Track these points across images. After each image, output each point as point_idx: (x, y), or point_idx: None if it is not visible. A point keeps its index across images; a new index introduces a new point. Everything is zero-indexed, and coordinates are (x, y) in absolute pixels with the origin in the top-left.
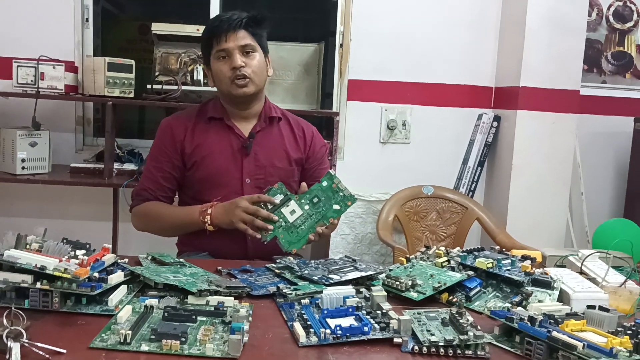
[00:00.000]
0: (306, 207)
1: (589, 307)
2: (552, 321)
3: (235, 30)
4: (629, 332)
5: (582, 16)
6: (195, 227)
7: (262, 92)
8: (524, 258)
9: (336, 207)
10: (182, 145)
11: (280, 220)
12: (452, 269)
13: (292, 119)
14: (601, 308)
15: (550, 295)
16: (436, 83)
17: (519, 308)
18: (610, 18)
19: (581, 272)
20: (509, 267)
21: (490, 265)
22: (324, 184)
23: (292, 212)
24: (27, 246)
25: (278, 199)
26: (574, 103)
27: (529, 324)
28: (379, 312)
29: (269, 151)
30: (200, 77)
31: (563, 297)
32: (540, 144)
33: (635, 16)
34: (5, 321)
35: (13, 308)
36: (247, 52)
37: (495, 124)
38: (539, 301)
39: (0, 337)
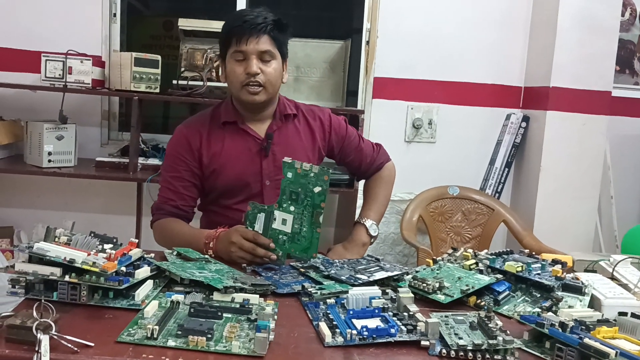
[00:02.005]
0: (291, 208)
1: (621, 314)
2: (583, 327)
3: (257, 34)
4: None
5: (615, 16)
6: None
7: (275, 97)
8: (555, 262)
9: (317, 189)
10: (199, 153)
11: (280, 236)
12: (480, 271)
13: (306, 111)
14: (633, 315)
15: (581, 301)
16: (463, 82)
17: (549, 313)
18: None
19: (612, 278)
20: (539, 271)
21: (519, 268)
22: (289, 175)
23: (284, 221)
24: (56, 239)
25: (260, 219)
26: (605, 104)
27: (560, 330)
28: (405, 314)
29: (287, 150)
30: None
31: (594, 303)
32: (570, 145)
33: None
34: (35, 313)
35: (43, 300)
36: (265, 59)
37: (524, 124)
38: (570, 307)
39: (30, 328)
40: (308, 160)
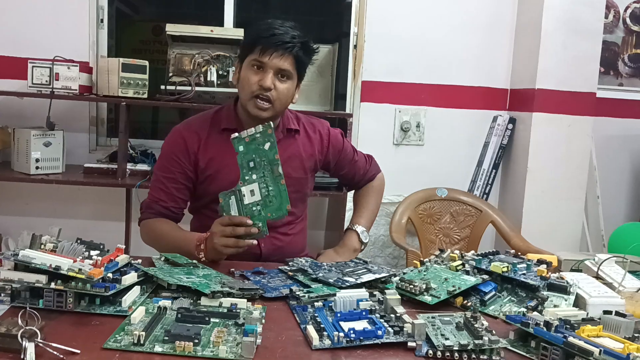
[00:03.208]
0: (254, 176)
1: (606, 312)
2: (568, 326)
3: (283, 52)
4: None
5: (599, 18)
6: (194, 258)
7: (281, 114)
8: (540, 262)
9: (267, 145)
10: (195, 157)
11: (254, 208)
12: (467, 272)
13: (307, 123)
14: (618, 313)
15: (566, 300)
16: (451, 85)
17: (535, 313)
18: (627, 20)
19: (597, 277)
20: (525, 271)
21: (505, 269)
22: (240, 148)
23: (252, 192)
24: (42, 246)
25: (233, 204)
26: (591, 106)
27: (545, 329)
28: (392, 315)
29: (285, 162)
30: (214, 78)
31: (579, 302)
32: (556, 146)
33: None
34: (20, 321)
35: (28, 308)
36: (281, 76)
37: (510, 126)
38: (555, 306)
39: (15, 336)
40: (304, 171)
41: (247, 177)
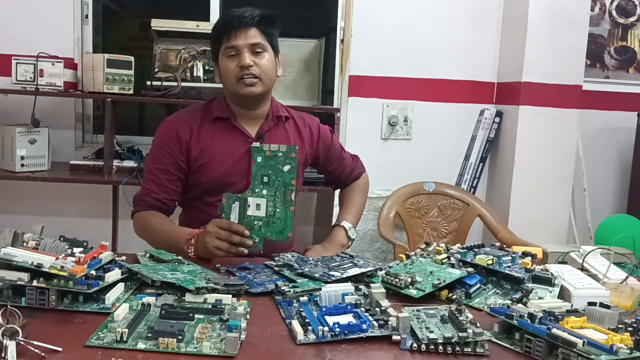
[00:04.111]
0: (264, 192)
1: (590, 303)
2: (552, 318)
3: (246, 28)
4: (629, 329)
5: (585, 11)
6: (183, 253)
7: (270, 92)
8: (525, 254)
9: (286, 167)
10: (188, 147)
11: (256, 222)
12: (452, 265)
13: (297, 116)
14: (602, 305)
15: (550, 292)
16: (438, 79)
17: (519, 305)
18: (613, 12)
19: (582, 269)
20: (509, 264)
21: (490, 262)
22: (259, 159)
23: (258, 206)
24: (24, 244)
25: (235, 209)
26: (577, 98)
27: (529, 321)
28: (377, 309)
29: None
30: (200, 73)
31: (564, 294)
32: (543, 139)
33: (638, 10)
34: (0, 319)
35: (9, 306)
36: (256, 52)
37: (497, 119)
38: (540, 298)
39: None
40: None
41: (257, 190)
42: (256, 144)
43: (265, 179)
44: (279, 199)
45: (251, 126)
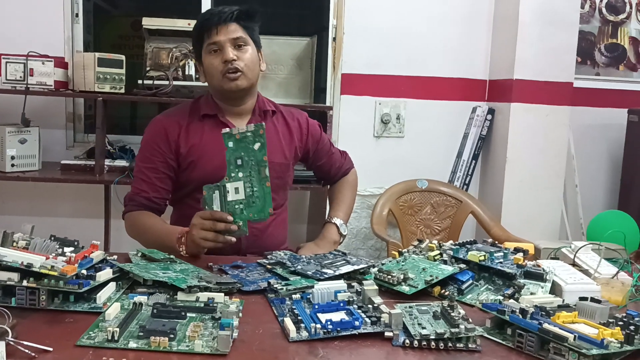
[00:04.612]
0: (240, 174)
1: (581, 298)
2: (543, 313)
3: (226, 23)
4: (620, 323)
5: (575, 9)
6: (175, 252)
7: (255, 87)
8: (516, 250)
9: (257, 145)
10: (176, 145)
11: (237, 206)
12: (445, 262)
13: (285, 111)
14: (593, 299)
15: (542, 288)
16: (430, 76)
17: (511, 300)
18: (603, 10)
19: (574, 264)
20: (501, 260)
21: (482, 258)
22: (230, 144)
23: (236, 190)
24: (14, 244)
25: (216, 198)
26: (568, 95)
27: (520, 317)
28: (370, 306)
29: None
30: (192, 72)
31: (555, 289)
32: (535, 136)
33: (628, 8)
34: None
35: None
36: (239, 46)
37: (489, 116)
38: (532, 293)
39: None
40: (284, 157)
41: (233, 174)
42: (225, 130)
43: (239, 162)
44: (255, 178)
45: (239, 122)
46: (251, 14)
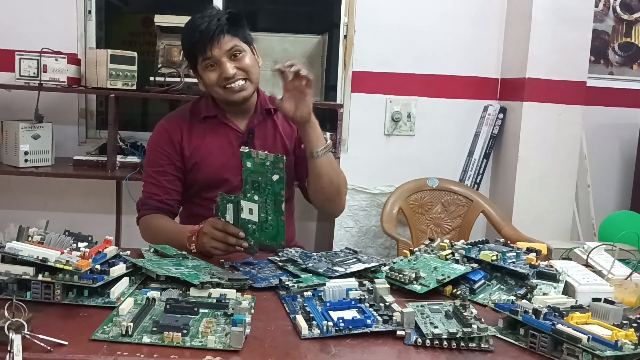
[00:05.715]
0: (255, 197)
1: (594, 299)
2: (556, 314)
3: (218, 39)
4: (634, 324)
5: (589, 7)
6: (188, 251)
7: (258, 84)
8: (529, 250)
9: (275, 177)
10: (180, 146)
11: (250, 225)
12: (456, 261)
13: None
14: (606, 301)
15: (555, 288)
16: (441, 75)
17: (524, 301)
18: (618, 9)
19: (587, 265)
20: (514, 260)
21: (494, 257)
22: (248, 164)
23: (250, 211)
24: (29, 238)
25: (230, 210)
26: (581, 94)
27: (534, 317)
28: (382, 304)
29: (268, 144)
30: None
31: (568, 290)
32: (547, 135)
33: None
34: (6, 313)
35: (14, 300)
36: (234, 55)
37: (501, 115)
38: (544, 294)
39: (2, 328)
40: (286, 151)
41: (248, 194)
42: (244, 149)
43: (256, 185)
44: (270, 208)
45: (240, 120)
46: (238, 18)
